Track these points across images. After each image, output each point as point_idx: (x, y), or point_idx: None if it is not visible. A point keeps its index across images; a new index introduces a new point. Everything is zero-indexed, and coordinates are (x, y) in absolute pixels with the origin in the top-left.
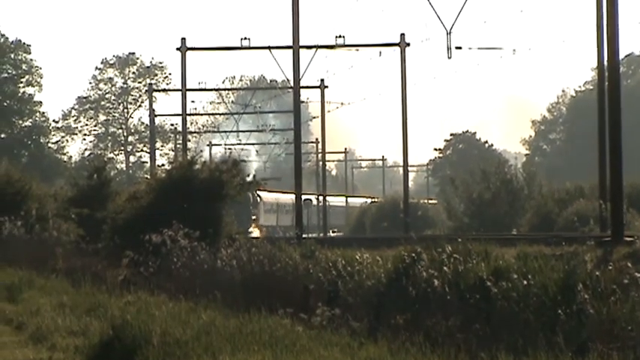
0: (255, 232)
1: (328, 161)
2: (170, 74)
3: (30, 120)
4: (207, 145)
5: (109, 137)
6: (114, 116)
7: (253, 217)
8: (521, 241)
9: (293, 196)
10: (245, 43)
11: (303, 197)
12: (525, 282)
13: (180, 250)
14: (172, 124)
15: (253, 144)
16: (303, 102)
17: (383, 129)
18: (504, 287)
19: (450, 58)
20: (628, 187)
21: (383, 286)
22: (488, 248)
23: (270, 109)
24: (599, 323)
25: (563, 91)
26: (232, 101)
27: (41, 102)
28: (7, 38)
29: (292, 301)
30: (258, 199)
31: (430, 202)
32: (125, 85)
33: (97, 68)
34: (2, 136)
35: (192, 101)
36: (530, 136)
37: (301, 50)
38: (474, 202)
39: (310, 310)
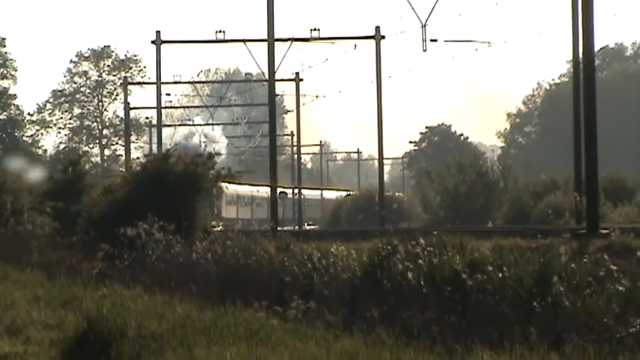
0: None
1: (303, 154)
2: (145, 67)
3: (5, 113)
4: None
5: (84, 130)
6: (89, 109)
7: (215, 210)
8: (497, 233)
9: (252, 188)
10: (220, 36)
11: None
12: (501, 274)
13: (155, 243)
14: (147, 117)
15: (229, 137)
16: (278, 95)
17: (358, 122)
18: (480, 280)
19: (425, 50)
20: (603, 179)
21: (358, 279)
22: (464, 241)
23: (245, 102)
24: (575, 315)
25: (538, 83)
26: (207, 94)
27: (16, 95)
28: None
29: (267, 294)
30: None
31: (399, 194)
32: (100, 79)
33: (71, 61)
34: None
35: (168, 94)
36: (506, 129)
37: (276, 43)
38: (450, 195)
39: (285, 303)
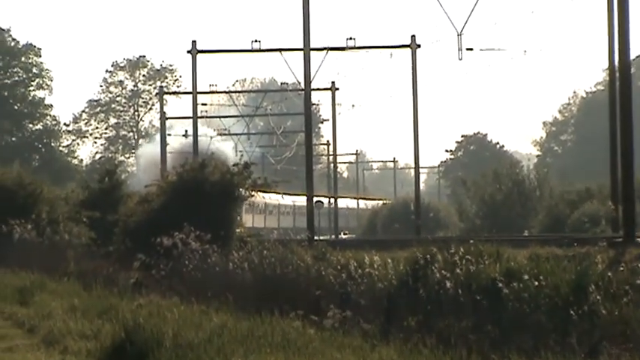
0: None
1: (339, 163)
2: (180, 77)
3: (41, 123)
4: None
5: (120, 140)
6: (124, 119)
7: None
8: (533, 242)
9: (265, 196)
10: (256, 45)
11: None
12: (537, 283)
13: (191, 252)
14: (185, 131)
15: (264, 146)
16: (314, 104)
17: (394, 131)
18: (516, 288)
19: (460, 59)
20: None
21: (394, 287)
22: (500, 249)
23: (281, 112)
24: (612, 324)
25: (574, 92)
26: (243, 104)
27: (52, 105)
28: (17, 42)
29: (304, 304)
30: None
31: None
32: (135, 88)
33: (107, 71)
34: (13, 139)
35: (204, 104)
36: (542, 137)
37: (312, 52)
38: (486, 204)
39: (322, 313)
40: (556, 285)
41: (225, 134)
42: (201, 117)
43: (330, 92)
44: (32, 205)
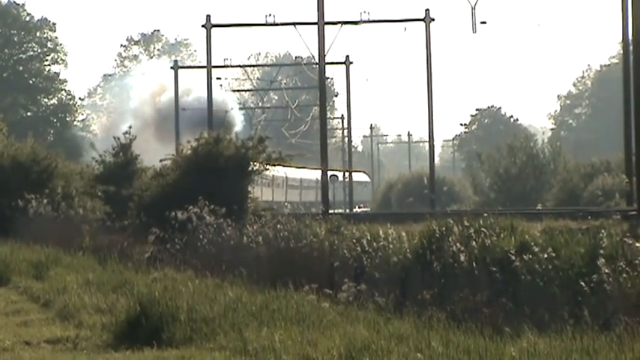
0: None
1: (354, 137)
2: (195, 51)
3: (55, 98)
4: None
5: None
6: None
7: None
8: (548, 215)
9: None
10: (270, 19)
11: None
12: (551, 256)
13: (206, 226)
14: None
15: (278, 120)
16: (328, 78)
17: (408, 104)
18: (530, 261)
19: (474, 32)
20: None
21: (409, 261)
22: (515, 223)
23: (295, 86)
24: (625, 297)
25: (588, 65)
26: (258, 78)
27: (66, 80)
28: (32, 17)
29: (318, 277)
30: None
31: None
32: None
33: (122, 46)
34: (28, 114)
35: (218, 78)
36: (556, 111)
37: (326, 26)
38: (500, 177)
39: (336, 286)
40: (570, 258)
41: (240, 108)
42: (216, 91)
43: (344, 66)
44: (47, 180)
